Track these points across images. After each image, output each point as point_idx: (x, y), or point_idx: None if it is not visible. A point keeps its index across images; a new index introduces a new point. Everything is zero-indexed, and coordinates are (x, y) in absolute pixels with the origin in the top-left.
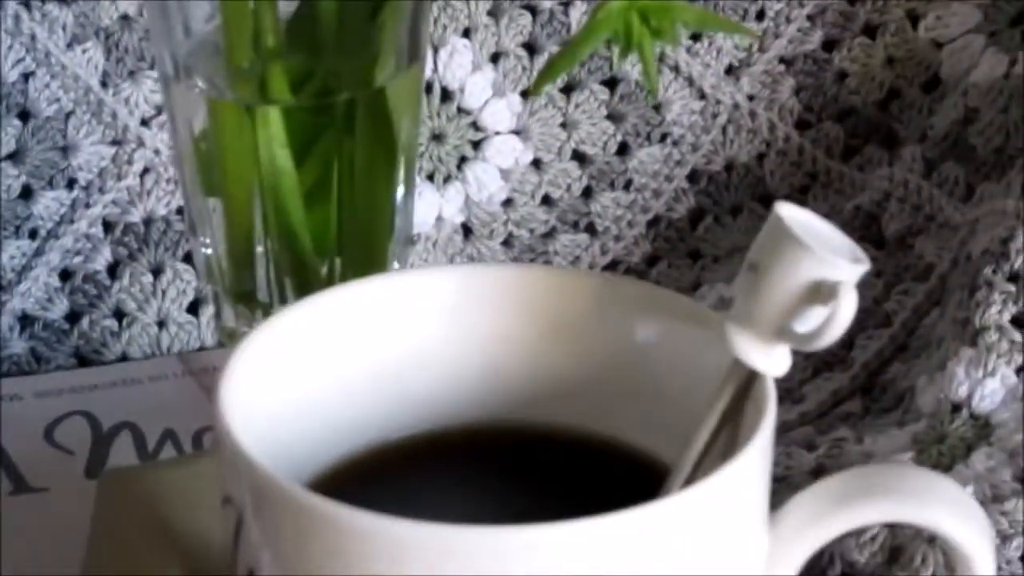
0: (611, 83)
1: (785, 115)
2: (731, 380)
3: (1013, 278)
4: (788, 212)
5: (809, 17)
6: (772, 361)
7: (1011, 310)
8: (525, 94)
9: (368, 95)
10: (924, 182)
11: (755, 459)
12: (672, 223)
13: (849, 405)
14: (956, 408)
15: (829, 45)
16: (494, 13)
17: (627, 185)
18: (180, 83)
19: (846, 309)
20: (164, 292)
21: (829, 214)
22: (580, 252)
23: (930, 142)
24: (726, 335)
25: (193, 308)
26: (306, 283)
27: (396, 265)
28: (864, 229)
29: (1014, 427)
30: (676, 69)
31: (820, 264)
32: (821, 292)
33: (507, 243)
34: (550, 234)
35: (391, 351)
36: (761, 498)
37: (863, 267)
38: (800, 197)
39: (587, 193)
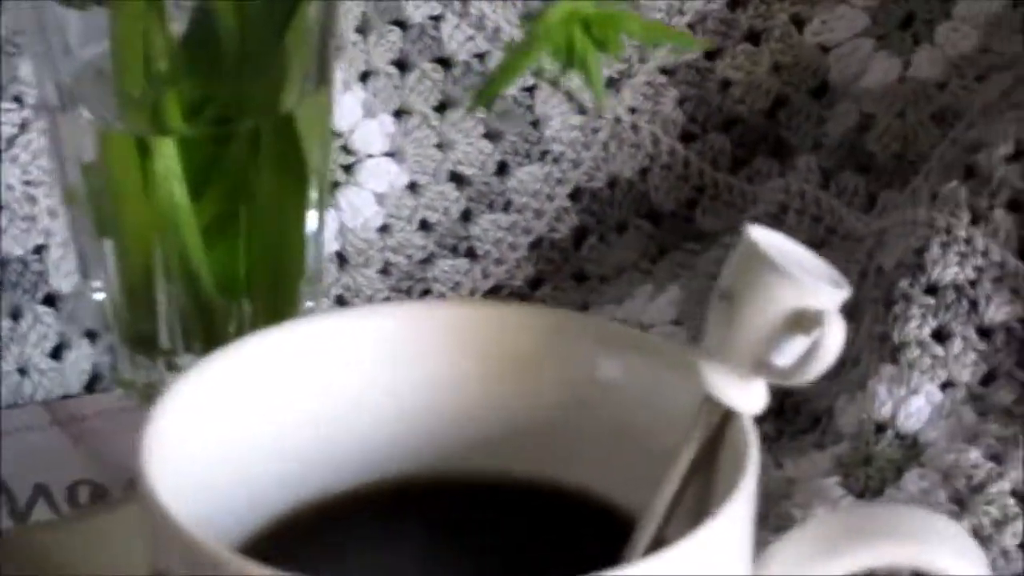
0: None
1: (669, 127)
2: (703, 420)
3: (931, 290)
4: (760, 235)
5: (690, 25)
6: (749, 398)
7: (931, 324)
8: (399, 114)
9: (274, 121)
10: (822, 192)
11: (737, 514)
12: (555, 243)
13: (760, 428)
14: (880, 428)
15: (711, 54)
16: (362, 30)
17: (507, 206)
18: (65, 112)
19: (834, 338)
20: (24, 337)
21: (724, 229)
22: (460, 278)
23: (825, 150)
24: (698, 371)
25: (56, 353)
26: (212, 327)
27: (309, 304)
28: None
29: (944, 446)
30: (554, 83)
31: (801, 291)
32: (802, 321)
33: (384, 271)
34: (429, 260)
35: (327, 399)
36: (744, 555)
37: (845, 292)
38: (687, 212)
39: (466, 216)
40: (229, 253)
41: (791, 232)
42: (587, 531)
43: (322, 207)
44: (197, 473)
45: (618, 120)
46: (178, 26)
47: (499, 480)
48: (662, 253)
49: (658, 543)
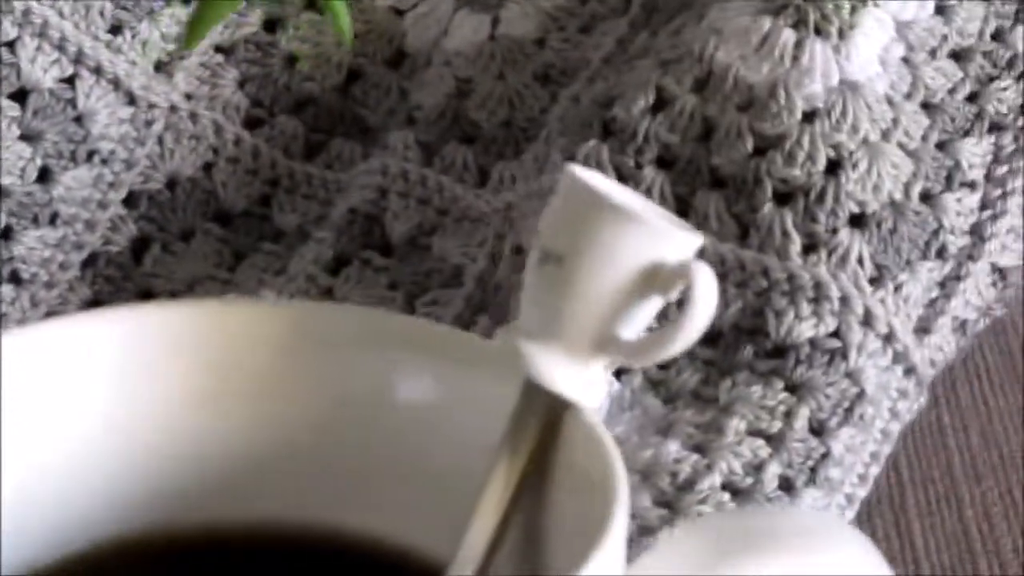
0: (21, 95)
1: (231, 113)
2: (528, 421)
3: None
4: (585, 176)
5: None
6: (589, 386)
7: None
8: None
9: None
10: (427, 171)
11: (609, 559)
12: (112, 259)
13: None
14: None
15: (271, 25)
16: None
17: (53, 219)
18: None
19: (706, 295)
20: None
21: (314, 220)
22: (5, 307)
23: (422, 124)
24: (522, 357)
25: None
26: None
27: None
28: (365, 235)
29: (637, 442)
30: (98, 70)
31: (654, 240)
32: (657, 279)
33: None
34: None
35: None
36: None
37: (700, 237)
38: (262, 209)
39: (6, 234)
40: None
41: (396, 219)
42: None
43: None
44: None
45: (173, 109)
46: None
47: (266, 531)
48: (239, 259)
49: None
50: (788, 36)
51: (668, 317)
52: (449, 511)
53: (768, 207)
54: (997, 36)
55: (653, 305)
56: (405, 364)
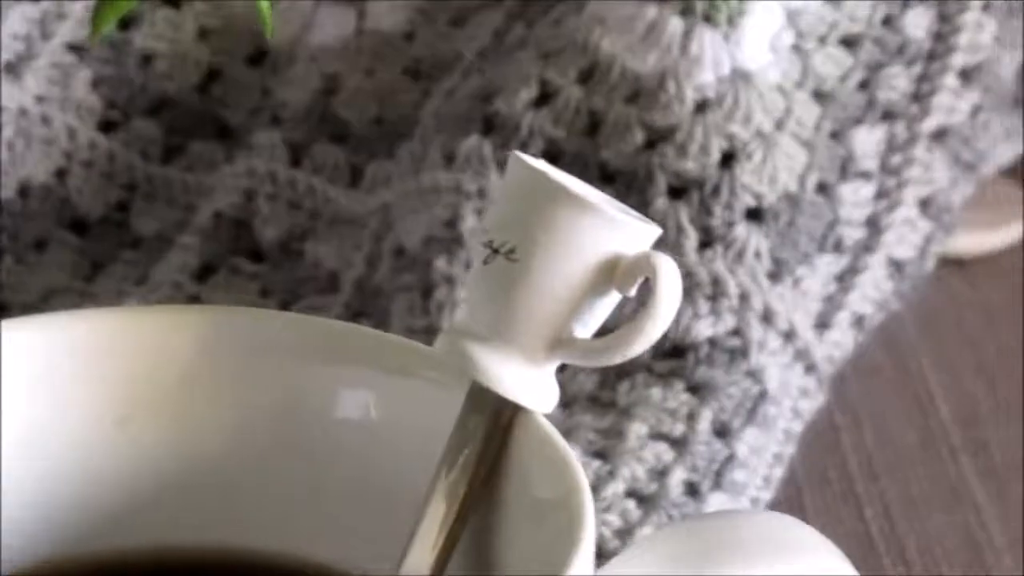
0: None
1: (85, 116)
2: (473, 430)
3: (471, 265)
4: (532, 162)
5: None
6: (541, 390)
7: None
8: None
9: None
10: (296, 172)
11: None
12: None
13: None
14: None
15: (126, 22)
16: None
17: None
18: None
19: (671, 288)
20: None
21: (175, 226)
22: None
23: (289, 123)
24: (468, 360)
25: None
26: None
27: None
28: (233, 240)
29: None
30: None
31: (614, 230)
32: (616, 273)
33: None
34: None
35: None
36: None
37: (657, 229)
38: (120, 216)
39: None
40: None
41: (266, 223)
42: None
43: None
44: None
45: (23, 112)
46: None
47: (199, 556)
48: (97, 269)
49: None
50: (676, 25)
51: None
52: (397, 531)
53: (661, 201)
54: (887, 22)
55: (610, 301)
56: (343, 375)
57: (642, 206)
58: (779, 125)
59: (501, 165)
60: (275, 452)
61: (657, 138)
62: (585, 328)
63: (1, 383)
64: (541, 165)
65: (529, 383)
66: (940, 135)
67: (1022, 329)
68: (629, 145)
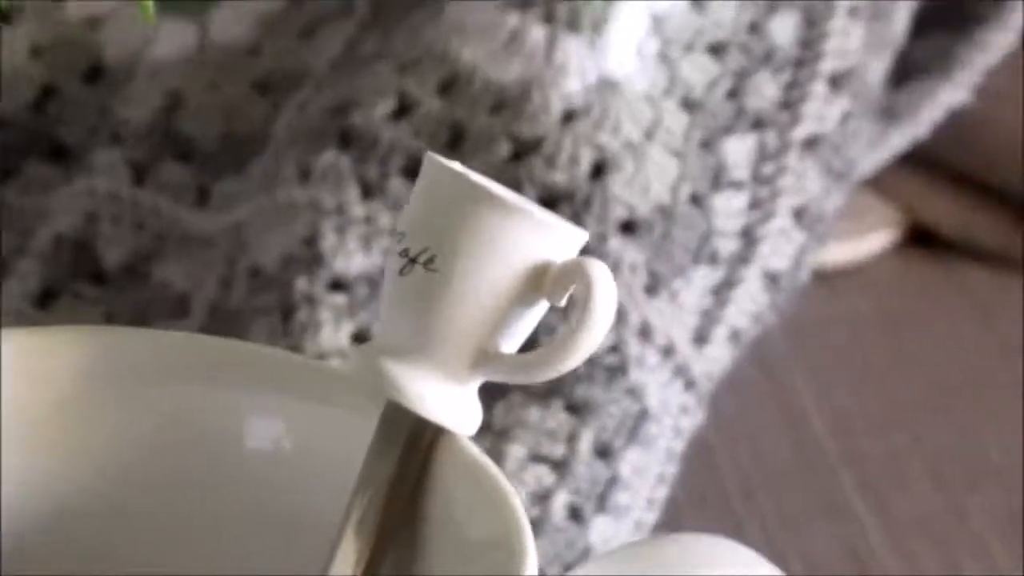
0: None
1: None
2: (388, 454)
3: (338, 286)
4: (449, 164)
5: None
6: (465, 410)
7: (348, 327)
8: None
9: None
10: (140, 191)
11: None
12: None
13: None
14: None
15: None
16: None
17: None
18: None
19: (605, 298)
20: None
21: (14, 251)
22: None
23: (131, 141)
24: (383, 379)
25: None
26: None
27: None
28: (75, 264)
29: None
30: None
31: (542, 234)
32: (546, 281)
33: None
34: None
35: None
36: None
37: (585, 234)
38: None
39: None
40: None
41: (110, 245)
42: None
43: None
44: None
45: None
46: None
47: None
48: None
49: None
50: (538, 32)
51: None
52: (306, 566)
53: None
54: (753, 28)
55: (537, 312)
56: (250, 400)
57: None
58: (648, 135)
59: (362, 180)
60: (173, 480)
61: (524, 149)
62: (511, 342)
63: None
64: (459, 167)
65: (452, 402)
66: (811, 143)
67: (889, 340)
68: (495, 157)
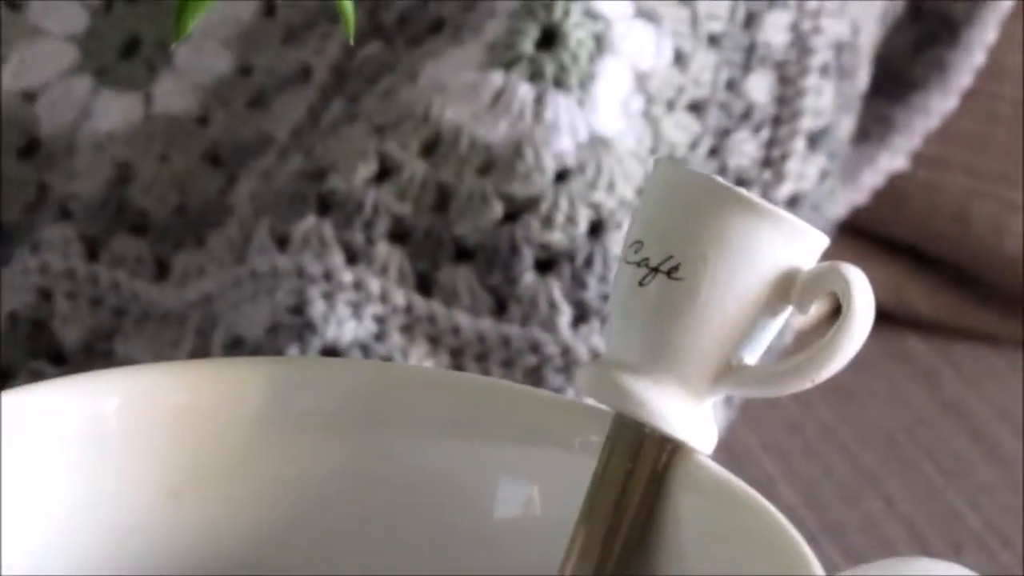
0: None
1: None
2: (619, 476)
3: (331, 352)
4: (686, 168)
5: None
6: (704, 425)
7: None
8: None
9: None
10: (96, 266)
11: None
12: None
13: None
14: None
15: None
16: None
17: None
18: None
19: (864, 305)
20: None
21: None
22: None
23: (82, 216)
24: (624, 398)
25: None
26: None
27: None
28: (32, 343)
29: None
30: None
31: (792, 239)
32: (794, 288)
33: None
34: None
35: None
36: None
37: (826, 238)
38: None
39: None
40: None
41: (67, 323)
42: None
43: None
44: None
45: None
46: None
47: None
48: None
49: None
50: (525, 90)
51: None
52: None
53: (529, 276)
54: (730, 86)
55: (780, 322)
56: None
57: (508, 282)
58: (641, 193)
59: (346, 246)
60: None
61: (518, 210)
62: (752, 354)
63: (64, 443)
64: (693, 168)
65: (693, 419)
66: (793, 202)
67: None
68: (486, 219)
